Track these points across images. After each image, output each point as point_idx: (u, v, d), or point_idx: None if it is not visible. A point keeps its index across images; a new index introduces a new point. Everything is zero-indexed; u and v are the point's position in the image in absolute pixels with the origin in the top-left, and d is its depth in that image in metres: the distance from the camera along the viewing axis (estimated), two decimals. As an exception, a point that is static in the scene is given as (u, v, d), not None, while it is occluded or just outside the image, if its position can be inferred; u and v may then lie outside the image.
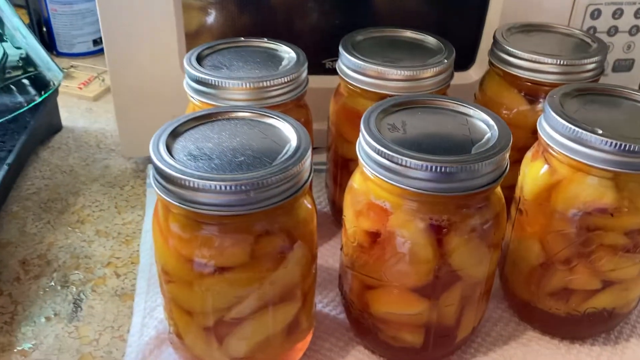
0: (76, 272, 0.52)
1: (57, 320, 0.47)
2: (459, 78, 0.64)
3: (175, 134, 0.36)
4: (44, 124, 0.69)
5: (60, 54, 0.90)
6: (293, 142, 0.36)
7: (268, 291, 0.36)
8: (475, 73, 0.64)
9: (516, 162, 0.46)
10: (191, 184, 0.32)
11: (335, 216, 0.57)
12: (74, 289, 0.50)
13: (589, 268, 0.41)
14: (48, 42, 0.90)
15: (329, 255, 0.53)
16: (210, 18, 0.60)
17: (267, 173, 0.33)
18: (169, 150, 0.35)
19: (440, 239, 0.37)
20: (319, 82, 0.56)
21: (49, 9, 0.87)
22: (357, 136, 0.39)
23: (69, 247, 0.54)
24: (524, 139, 0.47)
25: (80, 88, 0.80)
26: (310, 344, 0.43)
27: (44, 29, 0.90)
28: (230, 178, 0.32)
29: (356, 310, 0.43)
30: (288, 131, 0.37)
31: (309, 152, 0.35)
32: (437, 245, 0.37)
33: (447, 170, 0.35)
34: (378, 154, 0.36)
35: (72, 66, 0.85)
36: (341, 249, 0.43)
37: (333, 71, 0.52)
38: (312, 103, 0.54)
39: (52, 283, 0.51)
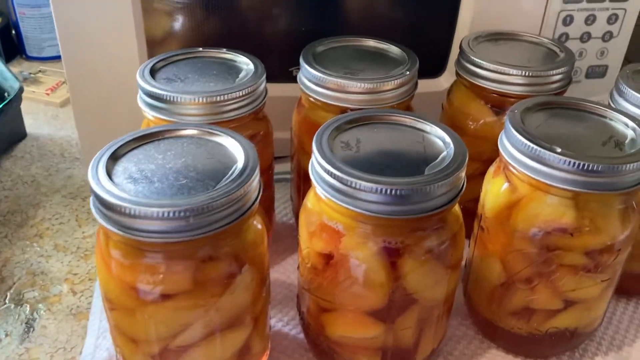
0: (31, 289, 0.50)
1: (7, 341, 0.46)
2: (430, 85, 0.63)
3: (117, 155, 0.35)
4: (5, 133, 0.67)
5: (30, 58, 0.88)
6: (240, 162, 0.34)
7: (214, 318, 0.35)
8: (446, 81, 0.63)
9: (482, 174, 0.45)
10: (127, 211, 0.31)
11: (300, 229, 0.56)
12: (28, 308, 0.49)
13: (550, 288, 0.40)
14: (17, 45, 0.88)
15: (292, 271, 0.52)
16: (174, 25, 0.58)
17: (207, 198, 0.31)
18: (109, 172, 0.33)
19: (394, 262, 0.36)
20: (286, 90, 0.54)
21: (17, 12, 0.85)
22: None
23: (26, 263, 0.53)
24: (489, 152, 0.46)
25: (48, 94, 0.78)
26: (266, 366, 0.42)
27: (13, 32, 0.88)
28: (169, 204, 0.31)
29: (313, 333, 0.42)
30: (236, 150, 0.36)
31: (256, 173, 0.34)
32: (390, 268, 0.36)
33: (399, 192, 0.33)
34: (329, 175, 0.35)
35: (40, 71, 0.84)
36: (298, 267, 0.42)
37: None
38: (280, 111, 0.53)
39: (6, 301, 0.49)
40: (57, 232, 0.57)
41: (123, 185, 0.32)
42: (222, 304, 0.35)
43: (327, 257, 0.37)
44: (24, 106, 0.73)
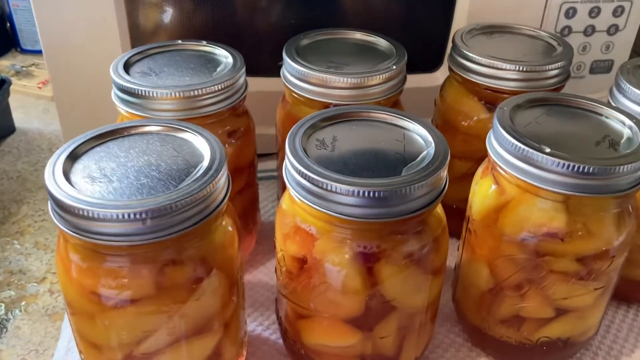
0: (7, 288, 0.49)
1: (-21, 342, 0.44)
2: (425, 80, 0.61)
3: (77, 153, 0.33)
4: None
5: (24, 51, 0.87)
6: (206, 160, 0.33)
7: (179, 324, 0.33)
8: (442, 76, 0.61)
9: (473, 174, 0.42)
10: (81, 212, 0.29)
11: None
12: (3, 308, 0.47)
13: (540, 295, 0.38)
14: (12, 38, 0.87)
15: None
16: (159, 17, 0.56)
17: (166, 199, 0.29)
18: (67, 171, 0.31)
19: (370, 268, 0.34)
20: (274, 84, 0.52)
21: (10, 5, 0.84)
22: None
23: (4, 261, 0.52)
24: (482, 150, 0.43)
25: (40, 87, 0.77)
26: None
27: (7, 25, 0.87)
28: (123, 205, 0.29)
29: (290, 339, 0.40)
30: (203, 147, 0.34)
31: (222, 172, 0.32)
32: (367, 274, 0.34)
33: (376, 195, 0.31)
34: (301, 176, 0.33)
35: (33, 64, 0.82)
36: (275, 270, 0.40)
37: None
38: (267, 107, 0.51)
39: (-19, 301, 0.48)
40: (39, 229, 0.55)
41: (80, 185, 0.31)
42: (188, 310, 0.33)
43: (301, 261, 0.35)
44: (15, 100, 0.72)
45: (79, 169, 0.32)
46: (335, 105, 0.43)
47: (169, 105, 0.40)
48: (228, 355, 0.37)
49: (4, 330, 0.45)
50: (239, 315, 0.37)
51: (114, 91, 0.42)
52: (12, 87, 0.68)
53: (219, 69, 0.43)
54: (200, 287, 0.33)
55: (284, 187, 0.51)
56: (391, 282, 0.34)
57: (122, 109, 0.41)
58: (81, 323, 0.34)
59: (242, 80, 0.43)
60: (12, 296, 0.48)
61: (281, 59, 0.46)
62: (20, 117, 0.72)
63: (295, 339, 0.39)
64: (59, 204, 0.30)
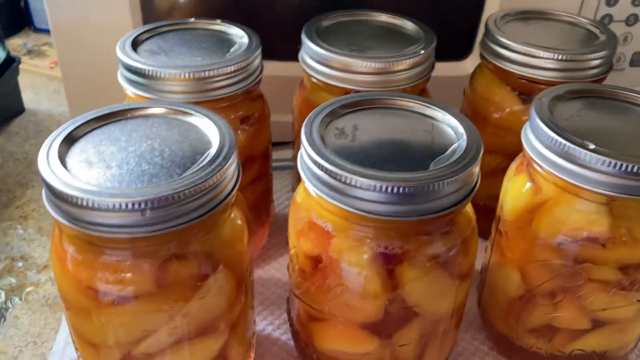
0: (9, 275, 0.47)
1: (-25, 332, 0.42)
2: (453, 69, 0.57)
3: (74, 136, 0.30)
4: (3, 107, 0.64)
5: (38, 30, 0.85)
6: (214, 147, 0.30)
7: (181, 325, 0.30)
8: (472, 64, 0.57)
9: (505, 169, 0.39)
10: (76, 200, 0.26)
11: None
12: (3, 296, 0.45)
13: (576, 305, 0.35)
14: (26, 17, 0.85)
15: (288, 268, 0.47)
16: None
17: (168, 188, 0.27)
18: (62, 155, 0.29)
19: (391, 270, 0.31)
20: (291, 69, 0.49)
21: (24, -18, 0.82)
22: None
23: (6, 247, 0.49)
24: (515, 144, 0.40)
25: (52, 67, 0.75)
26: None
27: (22, 3, 0.85)
28: (122, 193, 0.26)
29: (301, 342, 0.37)
30: (211, 133, 0.31)
31: (232, 160, 0.29)
32: (387, 276, 0.31)
33: (400, 190, 0.28)
34: (318, 167, 0.30)
35: (46, 43, 0.80)
36: (287, 268, 0.37)
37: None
38: (284, 93, 0.48)
39: (-20, 288, 0.46)
40: (44, 214, 0.53)
41: (76, 171, 0.28)
42: (191, 309, 0.30)
43: (316, 260, 0.32)
44: (26, 80, 0.70)
45: (76, 152, 0.29)
46: (357, 91, 0.40)
47: (178, 87, 0.37)
48: (234, 358, 0.35)
49: (2, 320, 0.43)
50: (247, 315, 0.35)
51: (121, 71, 0.39)
52: (23, 67, 0.66)
53: (232, 49, 0.40)
54: (205, 285, 0.30)
55: (299, 179, 0.48)
56: (414, 286, 0.31)
57: (129, 89, 0.38)
58: (77, 319, 0.31)
59: (257, 61, 0.40)
60: (12, 284, 0.46)
61: (300, 41, 0.43)
62: (30, 97, 0.69)
63: (307, 343, 0.36)
64: (52, 191, 0.27)
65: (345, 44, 0.42)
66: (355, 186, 0.29)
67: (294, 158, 0.48)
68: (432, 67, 0.43)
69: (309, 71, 0.42)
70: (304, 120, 0.45)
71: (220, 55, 0.39)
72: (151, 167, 0.28)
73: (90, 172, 0.28)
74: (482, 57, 0.46)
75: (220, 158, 0.29)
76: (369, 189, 0.28)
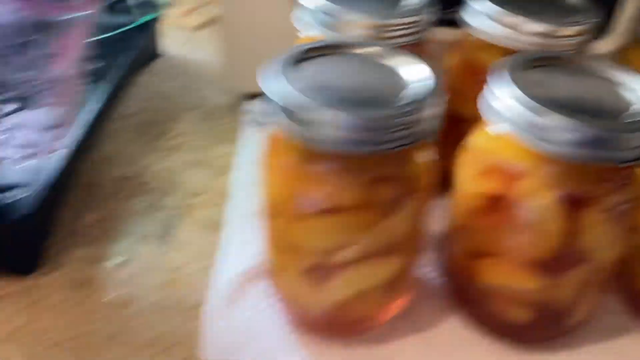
0: (168, 197, 0.51)
1: (146, 242, 0.46)
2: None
3: (291, 64, 0.33)
4: (145, 48, 0.68)
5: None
6: (425, 83, 0.32)
7: (375, 239, 0.33)
8: (605, 45, 0.58)
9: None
10: (311, 116, 0.29)
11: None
12: (165, 214, 0.49)
13: None
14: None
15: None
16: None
17: (398, 112, 0.29)
18: (287, 75, 0.32)
19: (573, 214, 0.33)
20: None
21: None
22: (478, 93, 0.35)
23: (162, 172, 0.54)
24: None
25: (183, 17, 0.79)
26: (406, 304, 0.40)
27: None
28: (344, 111, 0.29)
29: (458, 279, 0.40)
30: (419, 72, 0.33)
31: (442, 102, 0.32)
32: (568, 219, 0.33)
33: (599, 135, 0.30)
34: (519, 103, 0.32)
35: (177, -7, 0.84)
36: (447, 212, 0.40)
37: (449, 23, 0.48)
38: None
39: (144, 205, 0.50)
40: (192, 147, 0.57)
41: (302, 91, 0.31)
42: (387, 227, 0.33)
43: (496, 200, 0.35)
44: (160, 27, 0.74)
45: (297, 78, 0.32)
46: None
47: (362, 31, 0.40)
48: (404, 285, 0.38)
49: (168, 233, 0.47)
50: (420, 246, 0.38)
51: (299, 14, 0.42)
52: (159, 15, 0.70)
53: (402, 3, 0.43)
54: (401, 207, 0.33)
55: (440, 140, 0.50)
56: (591, 232, 0.33)
57: (306, 33, 0.41)
58: (281, 227, 0.35)
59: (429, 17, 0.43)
60: (172, 205, 0.50)
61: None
62: (164, 43, 0.74)
63: (466, 279, 0.39)
64: (283, 107, 0.30)
65: (510, 6, 0.43)
66: (554, 126, 0.31)
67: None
68: (591, 39, 0.45)
69: (475, 27, 0.44)
70: (459, 80, 0.47)
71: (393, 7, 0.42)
72: (371, 97, 0.31)
73: (317, 95, 0.31)
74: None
75: (433, 93, 0.31)
76: (569, 129, 0.31)
